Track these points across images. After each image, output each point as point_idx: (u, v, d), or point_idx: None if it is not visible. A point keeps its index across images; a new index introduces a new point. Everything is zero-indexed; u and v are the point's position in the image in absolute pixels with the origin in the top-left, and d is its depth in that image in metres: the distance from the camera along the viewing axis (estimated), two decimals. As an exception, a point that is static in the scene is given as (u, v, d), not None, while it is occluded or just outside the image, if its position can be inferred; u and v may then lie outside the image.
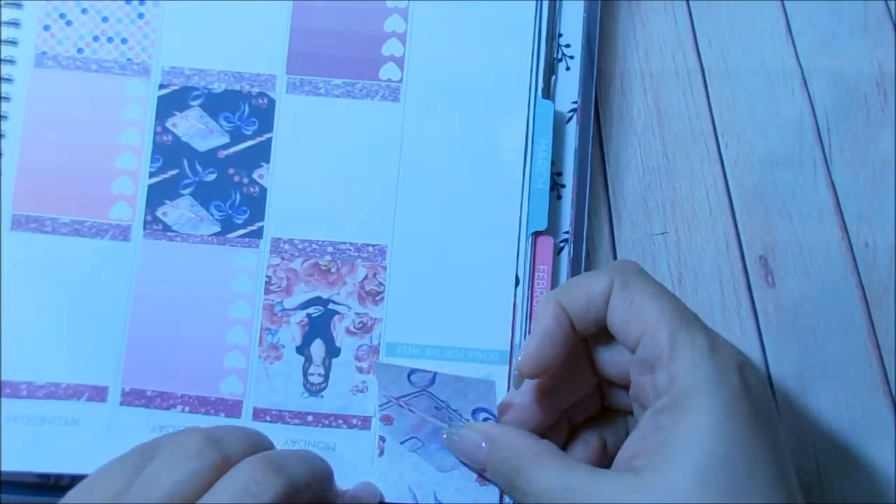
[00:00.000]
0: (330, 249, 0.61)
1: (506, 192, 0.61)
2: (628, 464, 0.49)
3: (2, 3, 0.62)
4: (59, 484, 0.58)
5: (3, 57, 0.61)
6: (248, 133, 0.62)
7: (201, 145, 0.61)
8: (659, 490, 0.46)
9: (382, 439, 0.58)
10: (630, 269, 0.53)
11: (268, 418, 0.59)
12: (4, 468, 0.57)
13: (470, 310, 0.60)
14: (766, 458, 0.47)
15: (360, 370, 0.60)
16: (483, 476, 0.55)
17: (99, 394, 0.59)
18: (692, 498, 0.45)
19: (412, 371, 0.54)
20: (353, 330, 0.60)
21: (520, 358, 0.53)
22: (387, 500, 0.57)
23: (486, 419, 0.54)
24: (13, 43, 0.62)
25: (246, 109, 0.62)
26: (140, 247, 0.60)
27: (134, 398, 0.59)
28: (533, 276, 0.61)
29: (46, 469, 0.57)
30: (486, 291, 0.60)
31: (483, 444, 0.53)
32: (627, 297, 0.51)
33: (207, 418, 0.59)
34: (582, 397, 0.56)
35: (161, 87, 0.62)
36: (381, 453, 0.58)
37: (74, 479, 0.56)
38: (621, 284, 0.51)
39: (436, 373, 0.54)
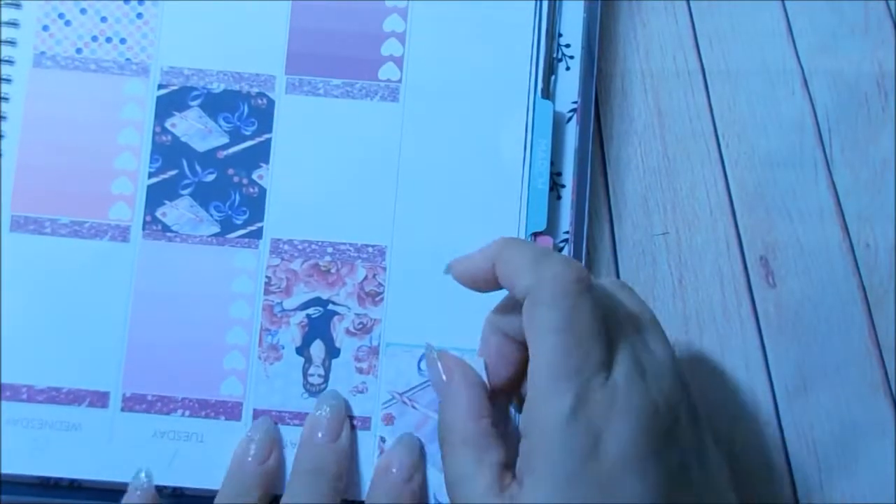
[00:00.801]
0: (329, 250, 0.60)
1: (505, 192, 0.61)
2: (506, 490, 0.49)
3: (1, 3, 0.61)
4: (59, 484, 0.58)
5: (1, 57, 0.61)
6: (248, 133, 0.61)
7: (200, 145, 0.61)
8: None
9: (383, 440, 0.58)
10: (558, 285, 0.49)
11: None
12: (4, 470, 0.57)
13: (469, 310, 0.59)
14: None
15: (360, 371, 0.59)
16: None
17: (100, 399, 0.59)
18: None
19: (422, 358, 0.54)
20: (353, 331, 0.60)
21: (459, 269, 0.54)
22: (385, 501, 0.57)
23: None
24: (12, 43, 0.61)
25: (245, 110, 0.61)
26: (139, 247, 0.60)
27: (135, 403, 0.58)
28: (533, 276, 0.60)
29: (47, 473, 0.57)
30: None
31: (441, 381, 0.54)
32: (530, 318, 0.49)
33: (208, 422, 0.59)
34: None
35: (160, 87, 0.61)
36: (382, 454, 0.58)
37: (74, 482, 0.56)
38: (530, 302, 0.49)
39: None
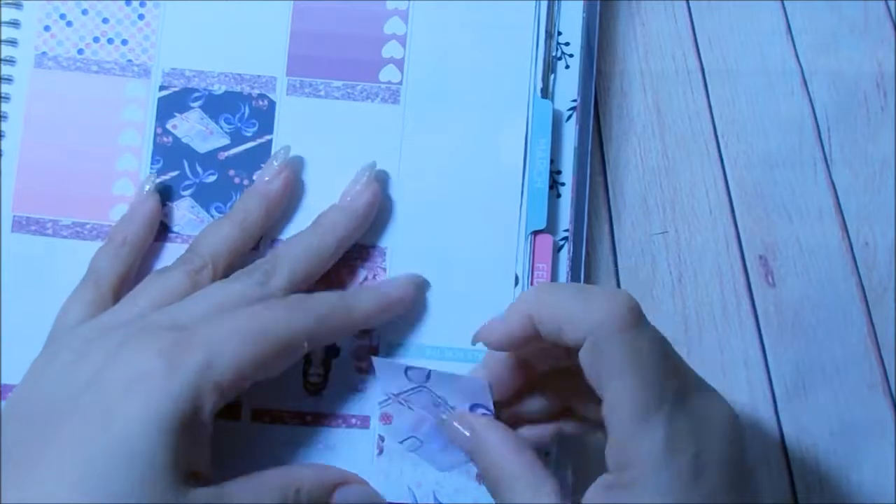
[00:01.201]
0: None
1: (505, 191, 0.61)
2: None
3: (2, 3, 0.61)
4: None
5: (3, 57, 0.61)
6: (249, 135, 0.61)
7: (202, 147, 0.61)
8: None
9: (382, 438, 0.58)
10: (615, 321, 0.48)
11: (267, 419, 0.59)
12: None
13: (469, 310, 0.58)
14: None
15: (360, 370, 0.59)
16: None
17: None
18: None
19: (408, 367, 0.53)
20: None
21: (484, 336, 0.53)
22: (385, 499, 0.57)
23: (483, 414, 0.53)
24: (13, 43, 0.61)
25: (246, 111, 0.61)
26: None
27: None
28: (532, 274, 0.60)
29: None
30: (486, 291, 0.60)
31: (468, 439, 0.52)
32: (595, 360, 0.48)
33: None
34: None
35: (161, 88, 0.61)
36: (381, 452, 0.58)
37: None
38: (592, 344, 0.48)
39: (430, 370, 0.53)
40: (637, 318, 0.47)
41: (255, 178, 0.60)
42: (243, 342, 0.50)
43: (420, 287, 0.59)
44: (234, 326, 0.51)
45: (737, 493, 0.47)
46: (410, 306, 0.59)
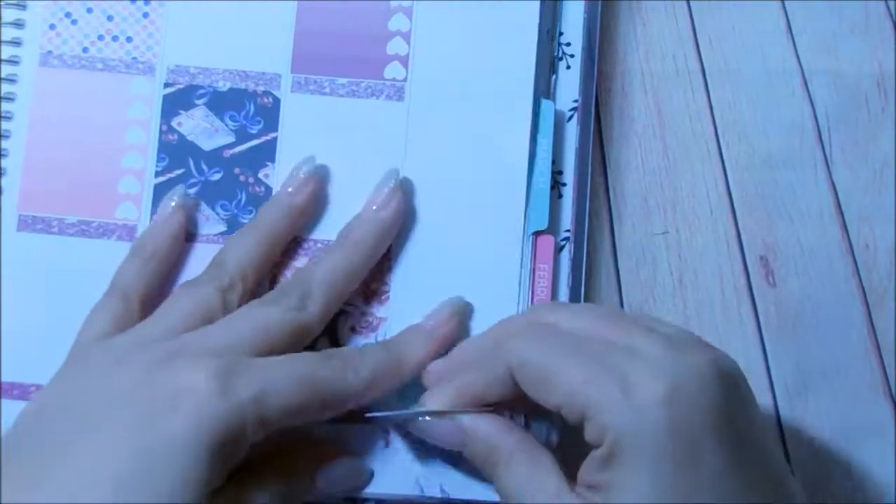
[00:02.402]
0: None
1: (508, 191, 0.60)
2: (588, 493, 0.48)
3: (7, 2, 0.61)
4: None
5: (7, 56, 0.60)
6: (254, 132, 0.61)
7: (207, 144, 0.60)
8: None
9: (388, 432, 0.57)
10: (520, 341, 0.50)
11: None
12: None
13: (475, 307, 0.59)
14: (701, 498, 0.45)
15: (367, 369, 0.58)
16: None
17: None
18: None
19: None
20: (359, 329, 0.59)
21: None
22: (392, 492, 0.57)
23: None
24: (18, 42, 0.61)
25: (251, 108, 0.61)
26: None
27: None
28: (534, 275, 0.60)
29: None
30: (490, 290, 0.59)
31: (458, 433, 0.52)
32: (531, 379, 0.48)
33: None
34: None
35: (166, 85, 0.61)
36: (388, 445, 0.57)
37: None
38: (520, 367, 0.49)
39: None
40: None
41: (279, 187, 0.59)
42: (299, 388, 0.50)
43: (464, 313, 0.58)
44: (293, 371, 0.51)
45: (709, 444, 0.46)
46: (459, 338, 0.58)
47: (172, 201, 0.58)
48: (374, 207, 0.58)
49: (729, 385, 0.47)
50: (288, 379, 0.50)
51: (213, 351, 0.51)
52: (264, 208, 0.58)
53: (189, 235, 0.59)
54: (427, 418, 0.52)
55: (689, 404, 0.45)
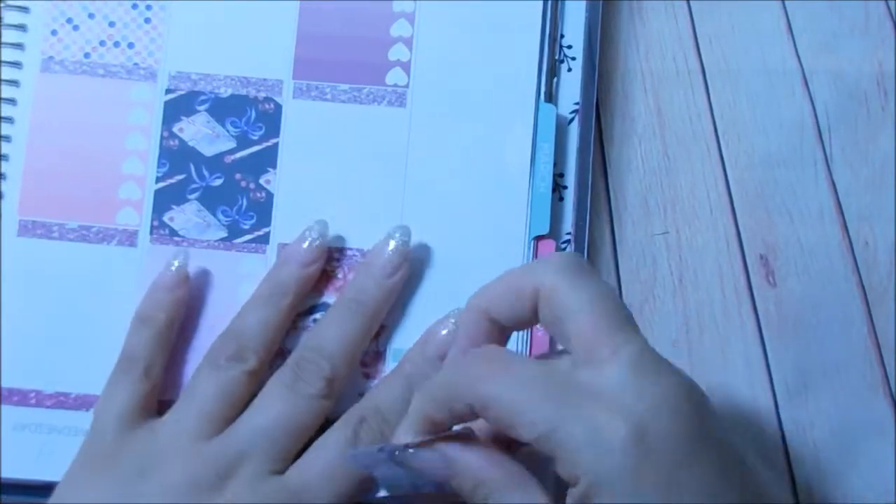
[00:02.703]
0: (336, 255, 0.60)
1: (511, 196, 0.60)
2: None
3: (9, 7, 0.61)
4: None
5: (9, 61, 0.60)
6: (255, 138, 0.61)
7: (208, 150, 0.60)
8: None
9: None
10: (566, 271, 0.47)
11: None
12: (11, 475, 0.57)
13: None
14: None
15: (367, 376, 0.59)
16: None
17: None
18: None
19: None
20: None
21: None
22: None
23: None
24: (20, 47, 0.61)
25: (252, 114, 0.61)
26: (147, 252, 0.60)
27: None
28: (535, 279, 0.59)
29: (53, 478, 0.56)
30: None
31: (444, 466, 0.48)
32: (494, 417, 0.46)
33: None
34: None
35: (168, 91, 0.61)
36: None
37: None
38: (547, 293, 0.47)
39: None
40: (590, 270, 0.47)
41: (287, 249, 0.59)
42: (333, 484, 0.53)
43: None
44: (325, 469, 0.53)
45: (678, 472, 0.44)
46: None
47: (174, 264, 0.58)
48: (385, 274, 0.57)
49: (697, 407, 0.45)
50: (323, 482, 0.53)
51: (260, 466, 0.52)
52: (278, 278, 0.58)
53: (188, 241, 0.59)
54: (411, 450, 0.49)
55: (659, 438, 0.43)
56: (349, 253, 0.60)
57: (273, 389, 0.55)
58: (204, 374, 0.55)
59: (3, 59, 0.60)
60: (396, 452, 0.48)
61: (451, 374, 0.48)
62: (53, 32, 0.61)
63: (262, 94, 0.61)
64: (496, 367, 0.46)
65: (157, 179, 0.60)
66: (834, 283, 0.63)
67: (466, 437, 0.49)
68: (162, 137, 0.60)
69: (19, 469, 0.57)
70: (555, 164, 0.61)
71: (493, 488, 0.47)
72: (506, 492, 0.47)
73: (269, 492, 0.52)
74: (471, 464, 0.47)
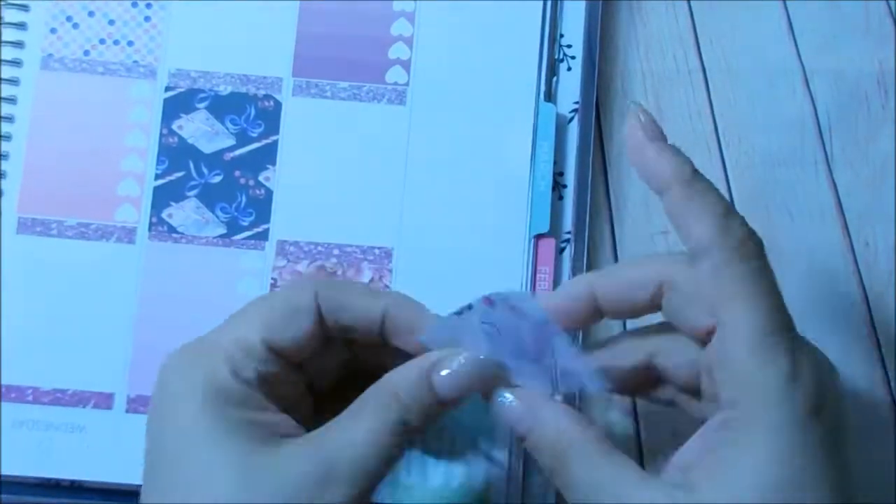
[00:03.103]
0: (336, 252, 0.59)
1: (511, 194, 0.60)
2: (684, 474, 0.44)
3: (9, 5, 0.60)
4: (60, 484, 0.57)
5: (9, 59, 0.60)
6: (254, 135, 0.60)
7: (207, 147, 0.60)
8: None
9: None
10: (736, 245, 0.45)
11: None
12: (9, 472, 0.56)
13: None
14: (827, 496, 0.42)
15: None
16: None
17: (105, 401, 0.58)
18: None
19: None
20: None
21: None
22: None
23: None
24: (20, 45, 0.60)
25: (252, 112, 0.60)
26: (145, 249, 0.59)
27: (140, 405, 0.58)
28: (535, 278, 0.59)
29: (51, 475, 0.56)
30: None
31: (525, 418, 0.47)
32: (714, 282, 0.45)
33: None
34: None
35: (167, 89, 0.60)
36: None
37: (75, 482, 0.56)
38: (712, 266, 0.45)
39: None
40: (762, 251, 0.45)
41: None
42: None
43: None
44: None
45: (843, 444, 0.44)
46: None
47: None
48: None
49: (837, 380, 0.46)
50: None
51: None
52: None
53: (187, 238, 0.59)
54: (507, 395, 0.47)
55: (815, 382, 0.43)
56: (348, 250, 0.59)
57: None
58: None
59: (3, 57, 0.60)
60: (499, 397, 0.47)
61: (642, 259, 0.48)
62: (53, 30, 0.60)
63: (261, 92, 0.60)
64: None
65: (157, 176, 0.59)
66: (834, 282, 0.62)
67: (554, 402, 0.47)
68: (161, 135, 0.60)
69: (18, 466, 0.56)
70: (554, 163, 0.60)
71: (577, 447, 0.45)
72: (592, 452, 0.45)
73: None
74: (556, 418, 0.46)
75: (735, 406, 0.43)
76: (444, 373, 0.46)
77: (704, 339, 0.46)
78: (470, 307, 0.47)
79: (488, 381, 0.47)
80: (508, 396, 0.47)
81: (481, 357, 0.46)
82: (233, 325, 0.48)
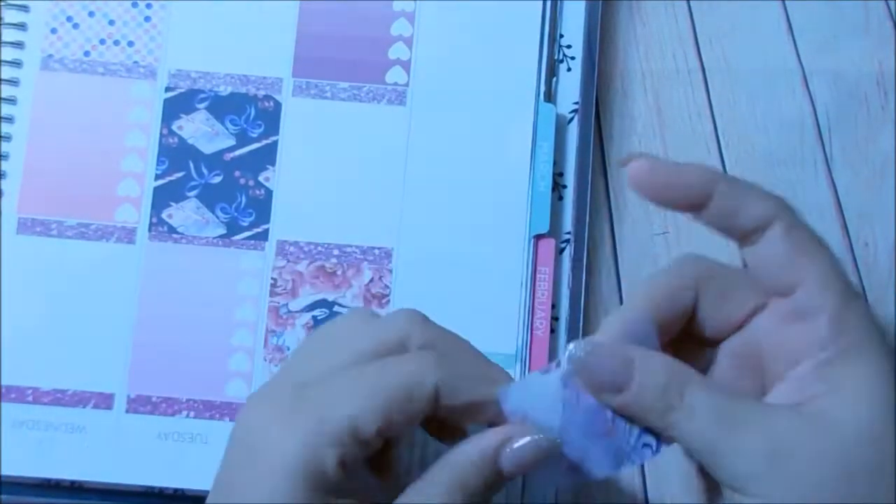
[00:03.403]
0: (336, 252, 0.59)
1: (511, 194, 0.60)
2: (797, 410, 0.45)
3: (9, 5, 0.60)
4: (60, 485, 0.57)
5: (9, 59, 0.60)
6: (254, 136, 0.60)
7: (207, 148, 0.60)
8: (850, 427, 0.43)
9: None
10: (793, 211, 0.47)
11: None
12: (9, 472, 0.56)
13: (475, 312, 0.58)
14: None
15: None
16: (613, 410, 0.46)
17: (105, 401, 0.57)
18: (886, 438, 0.43)
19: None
20: None
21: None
22: None
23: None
24: (19, 45, 0.60)
25: (252, 112, 0.60)
26: (145, 249, 0.59)
27: (139, 405, 0.57)
28: (535, 278, 0.59)
29: (51, 475, 0.56)
30: (492, 294, 0.59)
31: (625, 366, 0.45)
32: (791, 244, 0.45)
33: (212, 423, 0.57)
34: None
35: (167, 89, 0.60)
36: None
37: (75, 483, 0.56)
38: (785, 228, 0.45)
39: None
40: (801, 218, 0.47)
41: None
42: None
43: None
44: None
45: None
46: None
47: None
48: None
49: None
50: None
51: None
52: None
53: (187, 238, 0.59)
54: (576, 356, 0.45)
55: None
56: (348, 250, 0.59)
57: None
58: None
59: (3, 57, 0.59)
60: (577, 347, 0.45)
61: (676, 265, 0.48)
62: (53, 31, 0.60)
63: (261, 92, 0.60)
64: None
65: (156, 177, 0.59)
66: (833, 282, 0.62)
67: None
68: (161, 135, 0.60)
69: (17, 466, 0.56)
70: (554, 164, 0.60)
71: (686, 383, 0.44)
72: (700, 386, 0.44)
73: None
74: (657, 362, 0.45)
75: (833, 342, 0.44)
76: (507, 451, 0.45)
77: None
78: (558, 364, 0.46)
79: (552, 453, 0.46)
80: (595, 352, 0.45)
81: (543, 438, 0.45)
82: (345, 395, 0.44)
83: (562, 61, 0.61)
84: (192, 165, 0.59)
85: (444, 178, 0.60)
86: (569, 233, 0.60)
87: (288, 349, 0.57)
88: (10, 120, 0.59)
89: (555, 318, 0.59)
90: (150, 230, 0.59)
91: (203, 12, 0.61)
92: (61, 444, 0.56)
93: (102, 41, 0.60)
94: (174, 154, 0.59)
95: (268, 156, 0.59)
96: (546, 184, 0.59)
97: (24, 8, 0.60)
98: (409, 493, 0.44)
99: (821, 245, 0.46)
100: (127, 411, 0.57)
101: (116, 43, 0.60)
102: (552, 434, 0.45)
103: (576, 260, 0.60)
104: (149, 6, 0.60)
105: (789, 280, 0.45)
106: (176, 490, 0.57)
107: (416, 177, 0.60)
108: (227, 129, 0.59)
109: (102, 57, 0.60)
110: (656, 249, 0.62)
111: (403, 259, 0.59)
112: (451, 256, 0.59)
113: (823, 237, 0.46)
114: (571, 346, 0.45)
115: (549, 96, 0.61)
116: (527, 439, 0.45)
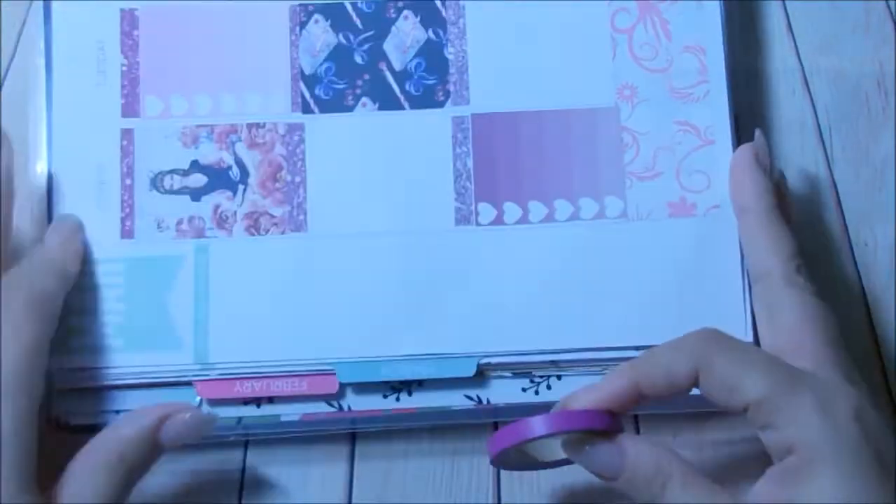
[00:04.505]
0: None
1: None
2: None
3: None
4: None
5: None
6: None
7: None
8: None
9: None
10: (709, 345, 0.48)
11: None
12: None
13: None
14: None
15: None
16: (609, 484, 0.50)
17: None
18: None
19: None
20: None
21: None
22: None
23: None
24: None
25: None
26: None
27: None
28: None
29: None
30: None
31: (619, 457, 0.48)
32: (715, 380, 0.47)
33: None
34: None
35: None
36: None
37: None
38: (707, 369, 0.47)
39: None
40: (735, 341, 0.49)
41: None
42: None
43: None
44: None
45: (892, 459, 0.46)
46: None
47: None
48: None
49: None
50: None
51: None
52: None
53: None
54: (576, 445, 0.49)
55: (872, 423, 0.46)
56: None
57: None
58: None
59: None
60: (571, 441, 0.49)
61: (678, 342, 0.49)
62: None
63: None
64: (724, 337, 0.49)
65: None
66: (833, 283, 0.61)
67: (637, 437, 0.50)
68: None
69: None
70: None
71: (676, 476, 0.47)
72: (688, 482, 0.47)
73: None
74: (649, 452, 0.48)
75: (787, 454, 0.45)
76: (169, 430, 0.50)
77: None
78: None
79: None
80: (592, 444, 0.49)
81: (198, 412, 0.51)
82: None
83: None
84: None
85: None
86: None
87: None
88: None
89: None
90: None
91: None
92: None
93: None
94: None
95: None
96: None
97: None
98: (77, 471, 0.48)
99: (744, 363, 0.47)
100: None
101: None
102: None
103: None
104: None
105: (734, 406, 0.47)
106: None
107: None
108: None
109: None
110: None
111: None
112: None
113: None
114: None
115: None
116: (187, 415, 0.50)
